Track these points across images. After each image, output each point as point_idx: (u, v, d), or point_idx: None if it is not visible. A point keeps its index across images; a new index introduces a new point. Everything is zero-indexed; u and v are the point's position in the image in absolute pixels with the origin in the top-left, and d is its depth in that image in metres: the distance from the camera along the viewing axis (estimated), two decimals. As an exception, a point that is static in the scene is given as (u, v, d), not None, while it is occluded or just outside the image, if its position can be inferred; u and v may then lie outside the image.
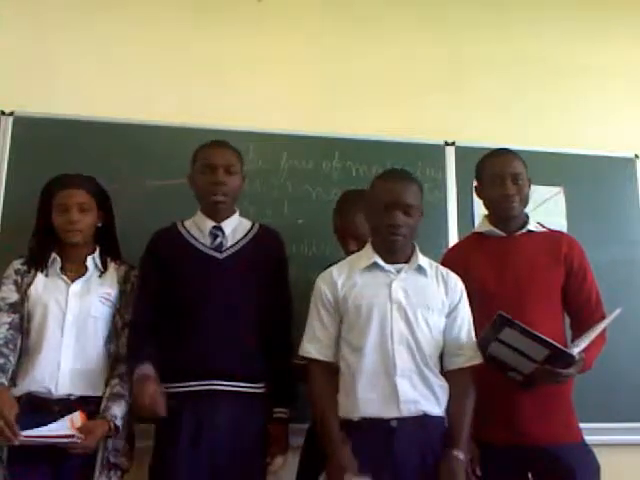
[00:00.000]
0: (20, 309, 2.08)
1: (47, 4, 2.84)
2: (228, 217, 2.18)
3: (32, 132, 2.63)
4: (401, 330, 1.89)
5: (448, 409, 1.90)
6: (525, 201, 2.19)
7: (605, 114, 3.16)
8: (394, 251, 1.97)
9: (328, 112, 2.88)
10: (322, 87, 2.95)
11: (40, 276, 2.12)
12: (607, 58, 3.21)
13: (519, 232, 2.18)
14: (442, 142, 2.94)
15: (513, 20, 3.20)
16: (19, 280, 2.12)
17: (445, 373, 1.95)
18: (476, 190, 2.29)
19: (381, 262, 1.96)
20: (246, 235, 2.19)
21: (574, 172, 2.98)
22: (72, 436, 1.89)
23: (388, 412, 1.84)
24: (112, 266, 2.20)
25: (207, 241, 2.15)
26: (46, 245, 2.17)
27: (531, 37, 3.19)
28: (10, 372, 2.02)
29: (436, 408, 1.88)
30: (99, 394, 2.04)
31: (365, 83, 2.98)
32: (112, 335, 2.11)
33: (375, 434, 1.83)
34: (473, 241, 2.28)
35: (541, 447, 1.99)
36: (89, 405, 2.01)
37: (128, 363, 2.05)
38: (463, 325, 1.98)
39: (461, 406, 1.90)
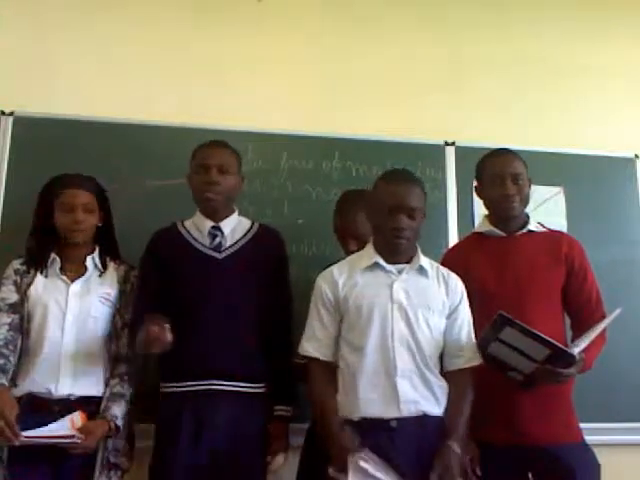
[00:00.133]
0: (20, 309, 2.08)
1: (47, 4, 2.84)
2: (227, 217, 2.18)
3: (32, 132, 2.63)
4: (402, 331, 1.89)
5: (446, 409, 1.90)
6: (525, 201, 2.18)
7: (605, 114, 3.15)
8: (397, 253, 1.97)
9: (328, 112, 2.88)
10: (322, 87, 2.95)
11: (40, 276, 2.11)
12: (607, 58, 3.21)
13: (519, 232, 2.18)
14: (442, 142, 2.94)
15: (513, 20, 3.20)
16: (18, 280, 2.11)
17: (445, 374, 1.95)
18: (476, 190, 2.28)
19: (383, 262, 1.96)
20: (245, 235, 2.19)
21: (574, 172, 2.98)
22: (72, 436, 1.89)
23: (388, 412, 1.84)
24: (112, 266, 2.20)
25: (206, 241, 2.14)
26: (45, 245, 2.16)
27: (531, 37, 3.19)
28: (10, 373, 2.01)
29: (436, 408, 1.88)
30: (99, 394, 2.04)
31: (365, 83, 2.98)
32: (112, 335, 2.11)
33: (375, 434, 1.83)
34: (473, 241, 2.28)
35: (541, 447, 1.99)
36: (89, 405, 2.01)
37: (131, 331, 2.03)
38: (463, 326, 1.98)
39: (459, 407, 1.90)
